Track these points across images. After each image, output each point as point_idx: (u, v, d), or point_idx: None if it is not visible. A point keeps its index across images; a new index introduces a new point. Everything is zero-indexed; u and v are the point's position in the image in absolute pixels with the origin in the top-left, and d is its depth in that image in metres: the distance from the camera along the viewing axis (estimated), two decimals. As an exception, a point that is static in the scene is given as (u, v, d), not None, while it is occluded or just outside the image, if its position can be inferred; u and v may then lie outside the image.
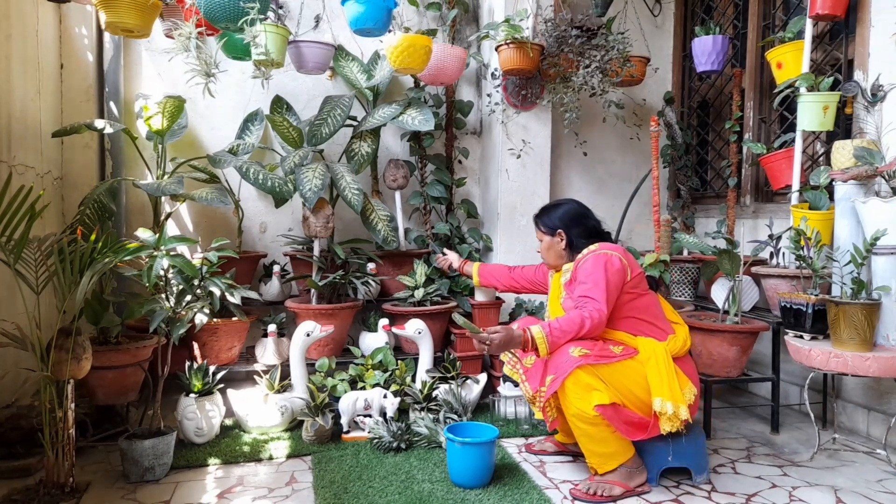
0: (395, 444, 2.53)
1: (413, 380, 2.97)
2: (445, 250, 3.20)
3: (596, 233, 2.46)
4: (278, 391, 2.79)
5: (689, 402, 2.14)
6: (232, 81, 3.53)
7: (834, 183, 2.65)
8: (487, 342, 2.17)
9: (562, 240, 2.47)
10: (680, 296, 3.63)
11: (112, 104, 3.32)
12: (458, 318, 2.25)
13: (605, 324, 2.20)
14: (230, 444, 2.60)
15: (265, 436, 2.71)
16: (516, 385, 2.55)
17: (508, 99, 3.48)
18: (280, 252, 3.59)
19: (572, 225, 2.48)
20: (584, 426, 2.12)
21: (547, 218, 2.54)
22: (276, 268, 3.42)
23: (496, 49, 3.30)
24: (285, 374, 2.86)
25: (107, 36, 3.29)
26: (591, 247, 2.37)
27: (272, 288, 3.37)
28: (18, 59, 2.73)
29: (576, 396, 2.09)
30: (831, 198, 2.71)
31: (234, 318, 2.96)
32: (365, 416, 2.73)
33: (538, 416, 2.39)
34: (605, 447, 2.14)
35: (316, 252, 3.21)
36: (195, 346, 2.96)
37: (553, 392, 2.12)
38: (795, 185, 2.96)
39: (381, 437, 2.56)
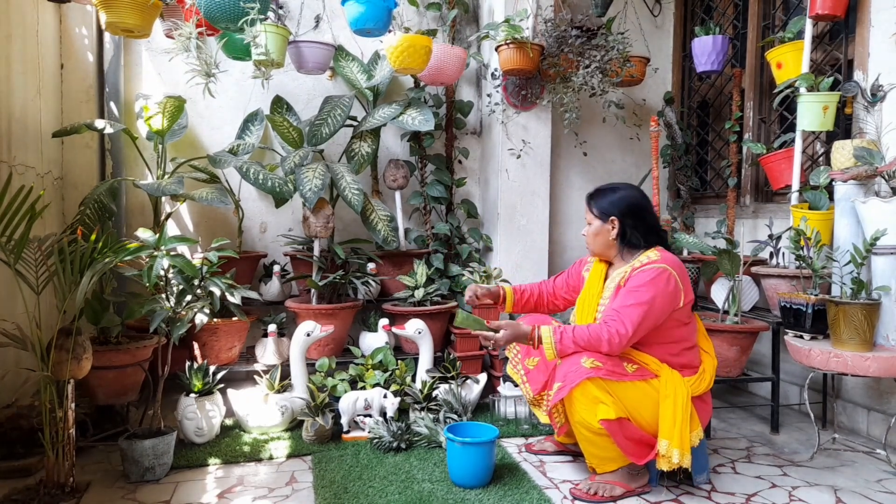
0: (395, 444, 2.53)
1: (413, 380, 2.97)
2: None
3: (653, 230, 2.27)
4: (278, 391, 2.79)
5: (693, 446, 2.06)
6: (232, 81, 3.53)
7: (834, 183, 2.65)
8: (492, 340, 2.17)
9: (613, 228, 2.26)
10: (680, 296, 3.62)
11: (112, 104, 3.32)
12: (460, 316, 2.22)
13: (625, 348, 2.09)
14: (230, 444, 2.60)
15: (265, 436, 2.71)
16: (516, 385, 2.54)
17: (508, 99, 3.48)
18: (280, 252, 3.59)
19: (629, 214, 2.25)
20: (587, 433, 2.10)
21: (602, 200, 2.30)
22: (277, 268, 3.42)
23: (496, 49, 3.30)
24: (285, 374, 2.86)
25: (107, 36, 3.29)
26: (651, 254, 2.19)
27: (272, 288, 3.37)
28: (18, 59, 2.73)
29: (582, 407, 2.05)
30: (831, 198, 2.71)
31: (234, 318, 2.95)
32: (365, 415, 2.73)
33: (542, 419, 2.38)
34: (607, 452, 2.13)
35: (316, 252, 3.21)
36: (195, 346, 2.96)
37: (559, 399, 2.09)
38: (795, 185, 2.96)
39: (381, 437, 2.56)
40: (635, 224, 2.24)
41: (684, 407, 2.05)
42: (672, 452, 2.01)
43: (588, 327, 2.13)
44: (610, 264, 2.37)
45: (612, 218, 2.26)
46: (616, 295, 2.18)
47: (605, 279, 2.34)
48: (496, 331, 2.19)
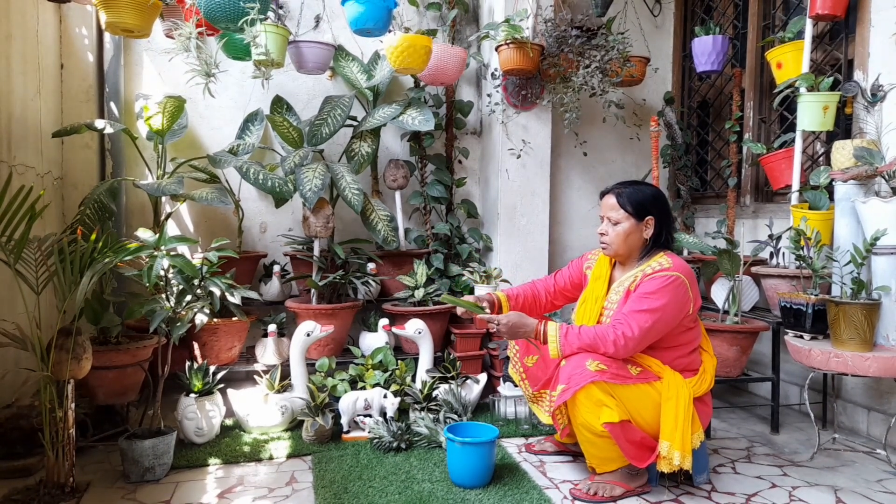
0: (395, 444, 2.53)
1: (413, 380, 2.97)
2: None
3: (673, 232, 2.24)
4: (278, 391, 2.79)
5: (694, 448, 2.06)
6: (232, 81, 3.53)
7: (834, 183, 2.65)
8: (495, 323, 2.15)
9: (648, 227, 2.16)
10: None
11: (112, 104, 3.32)
12: (445, 297, 2.29)
13: (631, 354, 2.07)
14: (230, 444, 2.60)
15: (265, 436, 2.71)
16: (516, 385, 2.54)
17: (508, 99, 3.48)
18: (280, 252, 3.59)
19: (665, 213, 2.15)
20: (589, 436, 2.10)
21: (637, 195, 2.16)
22: (277, 268, 3.42)
23: (496, 49, 3.30)
24: (285, 374, 2.86)
25: (107, 36, 3.29)
26: (663, 260, 2.13)
27: (272, 288, 3.37)
28: (18, 59, 2.73)
29: (586, 409, 2.04)
30: (831, 198, 2.71)
31: (234, 318, 2.96)
32: (365, 416, 2.73)
33: (542, 418, 2.38)
34: (608, 453, 2.12)
35: (316, 252, 3.21)
36: (195, 346, 2.96)
37: (563, 402, 2.08)
38: (795, 185, 2.96)
39: (381, 437, 2.56)
40: (669, 227, 2.20)
41: (686, 409, 2.05)
42: (673, 454, 2.01)
43: (595, 328, 2.11)
44: (614, 266, 2.33)
45: (650, 218, 2.17)
46: (625, 300, 2.15)
47: (610, 281, 2.31)
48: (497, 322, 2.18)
